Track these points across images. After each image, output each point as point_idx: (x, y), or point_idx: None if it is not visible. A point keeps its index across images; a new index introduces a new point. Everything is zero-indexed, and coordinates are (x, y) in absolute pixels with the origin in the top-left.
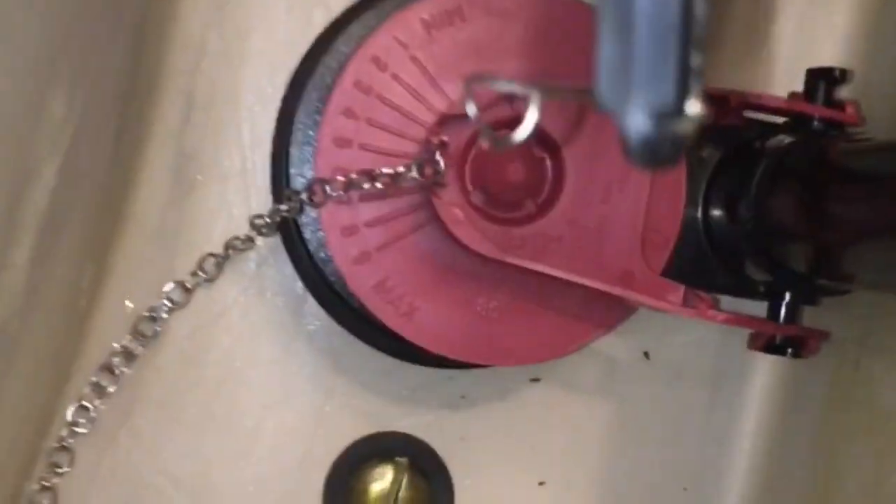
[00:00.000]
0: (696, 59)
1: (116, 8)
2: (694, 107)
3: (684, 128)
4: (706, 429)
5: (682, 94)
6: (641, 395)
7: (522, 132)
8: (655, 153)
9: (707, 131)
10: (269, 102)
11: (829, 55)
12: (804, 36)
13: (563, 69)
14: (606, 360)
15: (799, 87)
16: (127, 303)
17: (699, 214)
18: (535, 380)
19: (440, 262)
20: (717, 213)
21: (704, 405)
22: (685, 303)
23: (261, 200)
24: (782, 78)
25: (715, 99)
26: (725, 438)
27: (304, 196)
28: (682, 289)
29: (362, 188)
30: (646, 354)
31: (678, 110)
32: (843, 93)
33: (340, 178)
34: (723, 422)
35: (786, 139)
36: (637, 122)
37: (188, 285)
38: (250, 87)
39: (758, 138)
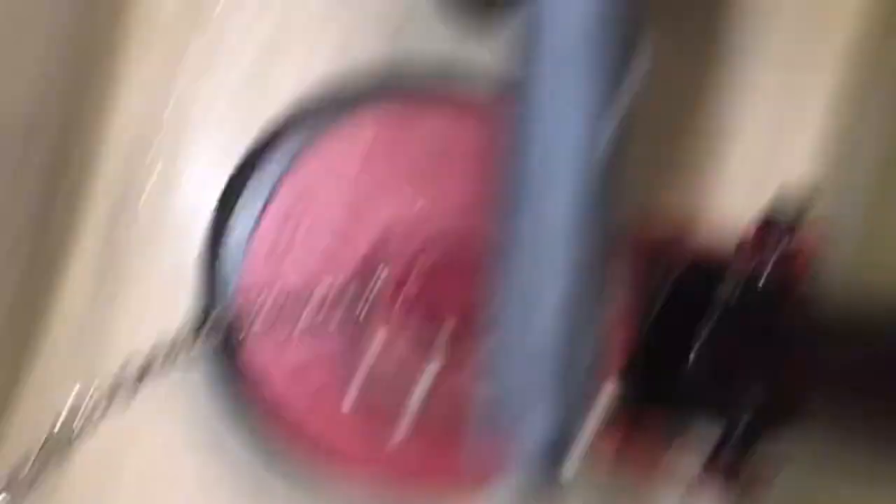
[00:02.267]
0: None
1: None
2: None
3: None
4: None
5: (577, 418)
6: None
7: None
8: (547, 476)
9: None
10: (204, 203)
11: (800, 163)
12: (775, 144)
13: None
14: None
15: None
16: (57, 408)
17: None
18: None
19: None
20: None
21: None
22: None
23: (187, 310)
24: (749, 184)
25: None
26: None
27: (226, 317)
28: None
29: (289, 312)
30: None
31: (573, 433)
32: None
33: (267, 300)
34: None
35: (736, 289)
36: (533, 436)
37: (104, 400)
38: (185, 185)
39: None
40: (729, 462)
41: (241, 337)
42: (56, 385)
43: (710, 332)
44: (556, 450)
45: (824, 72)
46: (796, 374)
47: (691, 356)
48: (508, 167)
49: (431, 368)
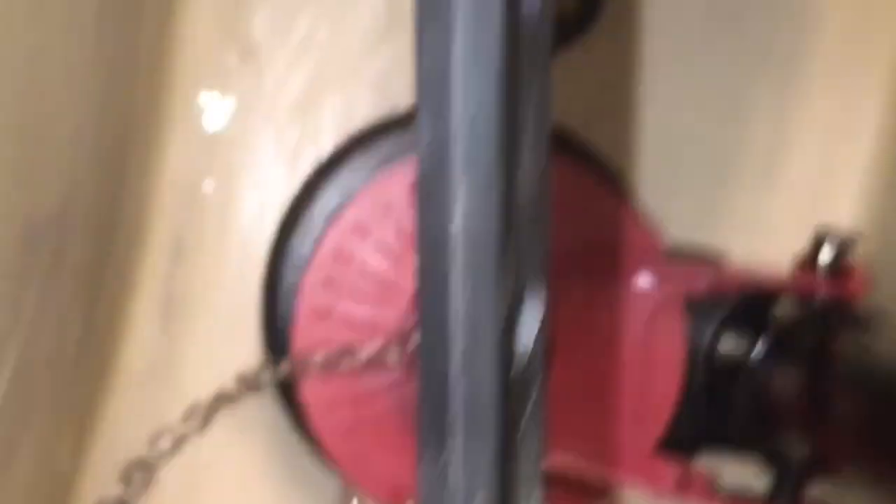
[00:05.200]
0: None
1: (59, 228)
2: None
3: None
4: None
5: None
6: None
7: None
8: None
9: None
10: (259, 245)
11: (849, 190)
12: (824, 168)
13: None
14: None
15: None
16: (123, 454)
17: (701, 375)
18: None
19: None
20: (720, 374)
21: None
22: (679, 485)
23: (251, 348)
24: (799, 209)
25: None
26: None
27: (283, 369)
28: (674, 470)
29: (342, 364)
30: None
31: None
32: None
33: (319, 354)
34: None
35: (788, 309)
36: None
37: (177, 434)
38: (239, 229)
39: (762, 300)
40: None
41: (303, 372)
42: (129, 423)
43: (761, 362)
44: None
45: None
46: (843, 423)
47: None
48: None
49: None
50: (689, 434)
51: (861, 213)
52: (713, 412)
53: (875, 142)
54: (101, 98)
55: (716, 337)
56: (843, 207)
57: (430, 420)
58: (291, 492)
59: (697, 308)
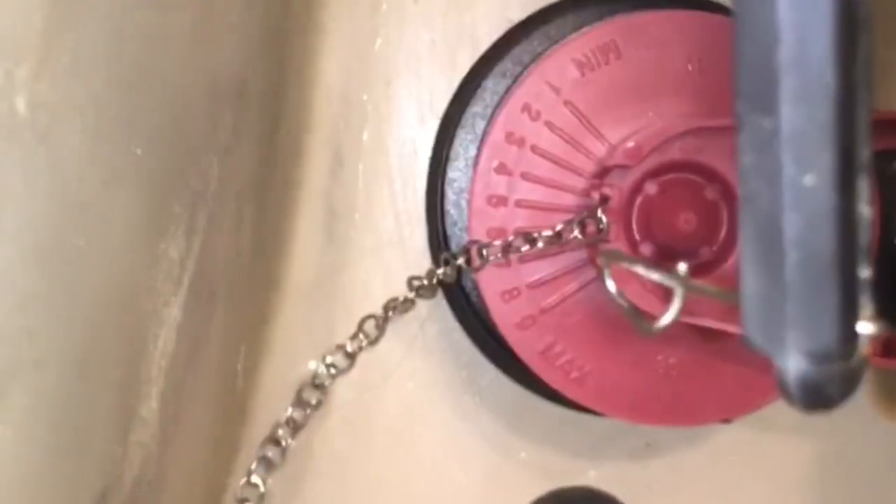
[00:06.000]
0: (863, 274)
1: (239, 98)
2: (865, 329)
3: (856, 364)
4: None
5: (848, 331)
6: (849, 431)
7: (666, 319)
8: (822, 397)
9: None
10: (420, 151)
11: None
12: None
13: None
14: None
15: None
16: (295, 370)
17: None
18: (727, 420)
19: (610, 321)
20: None
21: None
22: (885, 349)
23: (418, 255)
24: None
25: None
26: None
27: (460, 261)
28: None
29: (521, 250)
30: None
31: (845, 350)
32: None
33: (497, 241)
34: None
35: None
36: (795, 366)
37: (349, 349)
38: (398, 135)
39: None
40: None
41: (474, 268)
42: (299, 341)
43: None
44: (819, 383)
45: None
46: None
47: None
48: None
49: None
50: (887, 308)
51: None
52: None
53: None
54: None
55: None
56: None
57: (751, 80)
58: (469, 403)
59: (888, 167)
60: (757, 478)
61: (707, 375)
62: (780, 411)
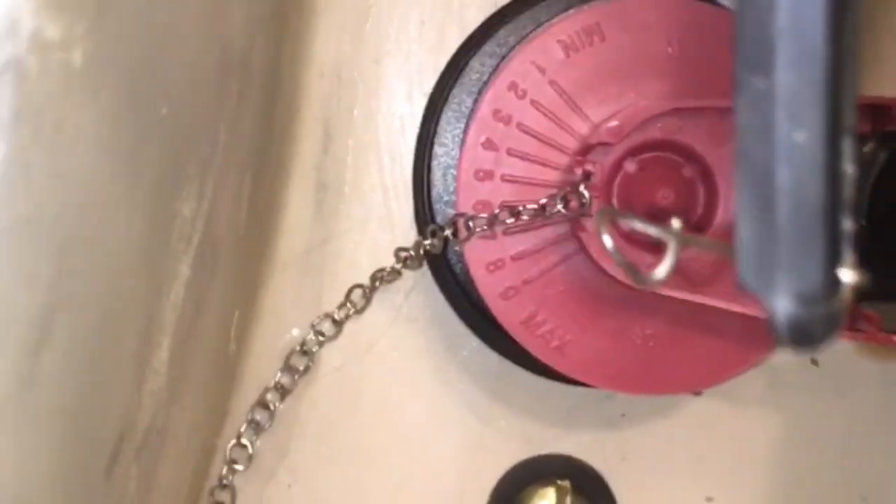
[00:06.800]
0: (845, 225)
1: (243, 71)
2: (846, 276)
3: (837, 305)
4: (881, 436)
5: (832, 276)
6: (810, 404)
7: (661, 272)
8: (808, 336)
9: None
10: (408, 127)
11: None
12: None
13: (713, 85)
14: (772, 368)
15: None
16: (284, 337)
17: (864, 220)
18: (697, 393)
19: (590, 293)
20: (884, 218)
21: (879, 413)
22: (852, 325)
23: (404, 228)
24: None
25: (875, 108)
26: None
27: (447, 232)
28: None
29: (506, 223)
30: (814, 362)
31: (829, 293)
32: None
33: (483, 214)
34: None
35: None
36: (784, 307)
37: (337, 317)
38: (387, 112)
39: None
40: None
41: (460, 240)
42: (288, 308)
43: None
44: (806, 323)
45: None
46: None
47: None
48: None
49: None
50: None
51: None
52: (880, 259)
53: None
54: None
55: (879, 179)
56: None
57: (748, 45)
58: (451, 371)
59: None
60: (725, 447)
61: (681, 348)
62: (747, 385)
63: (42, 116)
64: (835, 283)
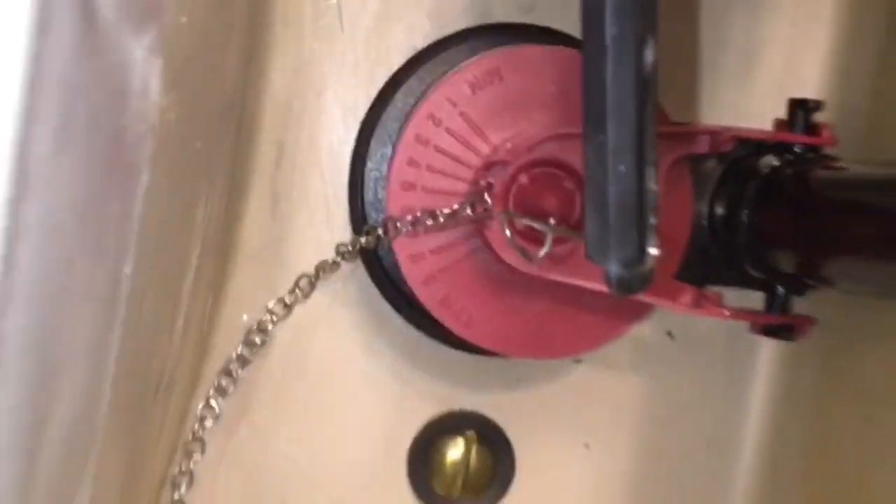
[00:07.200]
0: (651, 221)
1: (233, 108)
2: (652, 251)
3: (647, 269)
4: (724, 394)
5: (643, 250)
6: (667, 368)
7: (541, 252)
8: (629, 287)
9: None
10: (345, 148)
11: (813, 76)
12: (791, 61)
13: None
14: (636, 341)
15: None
16: (244, 317)
17: (705, 222)
18: (578, 361)
19: (492, 279)
20: (719, 221)
21: (721, 374)
22: (695, 303)
23: (342, 229)
24: (774, 96)
25: (711, 134)
26: (741, 401)
27: (379, 232)
28: (691, 291)
29: (426, 224)
30: (669, 334)
31: (641, 260)
32: (821, 117)
33: (408, 217)
34: (737, 387)
35: (772, 161)
36: (615, 270)
37: (287, 301)
38: (328, 135)
39: (751, 156)
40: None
41: (390, 238)
42: (248, 293)
43: (755, 199)
44: (628, 280)
45: None
46: (824, 242)
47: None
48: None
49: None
50: (698, 271)
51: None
52: (717, 253)
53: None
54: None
55: (716, 189)
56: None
57: (592, 115)
58: (379, 344)
59: (699, 166)
60: (599, 403)
61: (563, 321)
62: (617, 353)
63: (162, 155)
64: (644, 254)
